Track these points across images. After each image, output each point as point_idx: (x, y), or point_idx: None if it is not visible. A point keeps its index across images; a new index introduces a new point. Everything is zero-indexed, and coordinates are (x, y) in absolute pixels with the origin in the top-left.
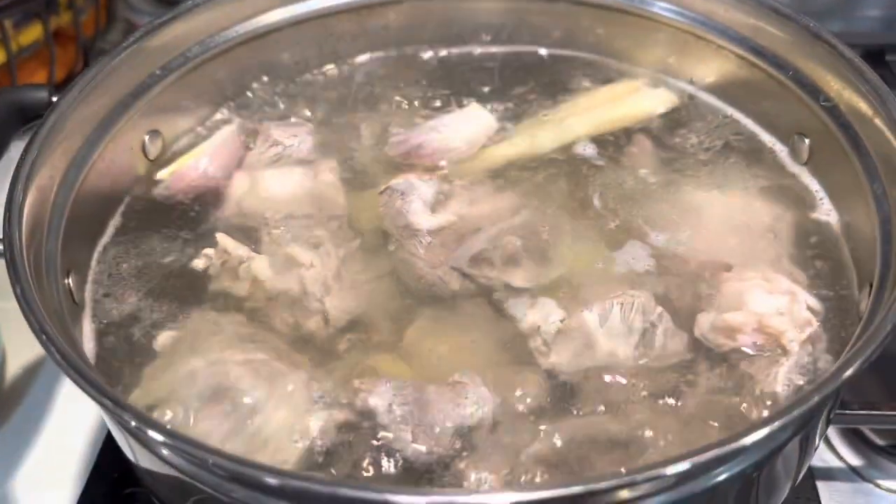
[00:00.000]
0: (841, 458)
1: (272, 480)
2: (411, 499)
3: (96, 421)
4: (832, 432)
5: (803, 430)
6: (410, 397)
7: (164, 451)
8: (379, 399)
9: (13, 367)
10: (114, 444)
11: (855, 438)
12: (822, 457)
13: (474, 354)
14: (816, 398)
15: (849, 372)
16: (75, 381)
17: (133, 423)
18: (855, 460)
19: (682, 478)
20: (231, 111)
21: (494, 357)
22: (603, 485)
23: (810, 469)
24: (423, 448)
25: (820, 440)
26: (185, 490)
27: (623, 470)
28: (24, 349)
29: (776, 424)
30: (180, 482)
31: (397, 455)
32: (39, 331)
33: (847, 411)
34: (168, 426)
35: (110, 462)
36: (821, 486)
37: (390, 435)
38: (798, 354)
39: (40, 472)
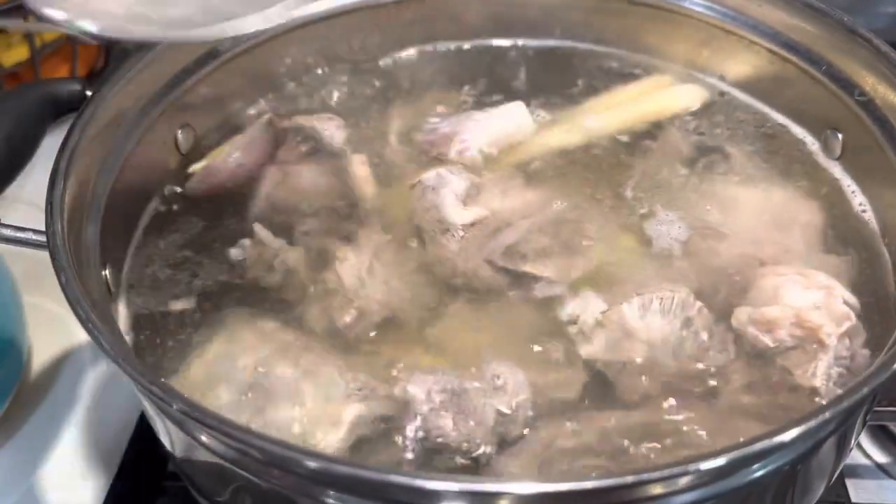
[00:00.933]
0: (867, 455)
1: (313, 464)
2: (447, 485)
3: (123, 414)
4: None
5: (843, 425)
6: (449, 386)
7: (210, 438)
8: (417, 388)
9: (38, 362)
10: (143, 436)
11: (881, 436)
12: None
13: (509, 346)
14: (865, 390)
15: None
16: (122, 369)
17: (179, 409)
18: (881, 457)
19: (718, 474)
20: (263, 105)
21: (530, 349)
22: (636, 478)
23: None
24: (464, 435)
25: (856, 439)
26: (225, 478)
27: (658, 464)
28: (49, 344)
29: (820, 418)
30: (220, 469)
31: (437, 443)
32: (86, 319)
33: (876, 408)
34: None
35: (140, 454)
36: (847, 483)
37: (430, 423)
38: (836, 349)
39: (66, 465)
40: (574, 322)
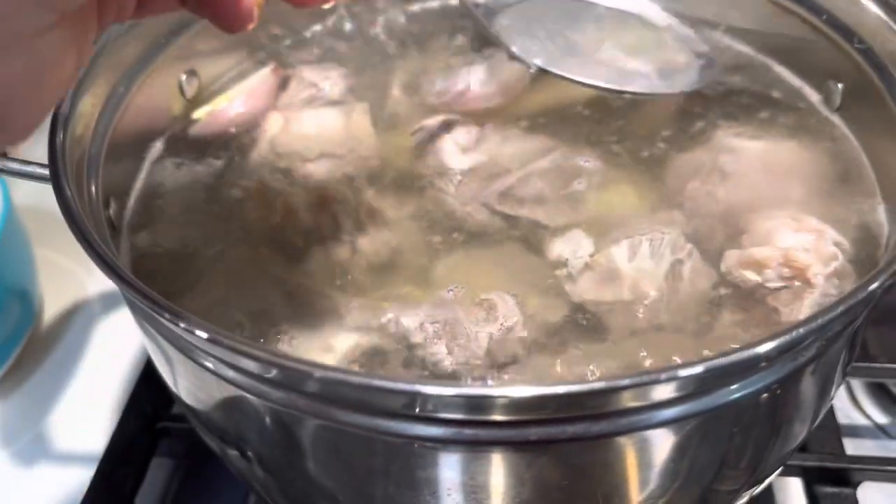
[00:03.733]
0: (867, 415)
1: (320, 375)
2: (442, 390)
3: (130, 361)
4: (858, 389)
5: (823, 355)
6: (441, 317)
7: (215, 358)
8: (410, 319)
9: (49, 314)
10: (148, 381)
11: (882, 395)
12: (848, 414)
13: (502, 286)
14: (840, 308)
15: (873, 285)
16: (134, 299)
17: (185, 327)
18: (881, 418)
19: (698, 385)
20: (266, 53)
21: (522, 288)
22: (625, 382)
23: (837, 426)
24: (457, 361)
25: (839, 381)
26: (238, 411)
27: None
28: (60, 297)
29: (799, 331)
30: (231, 399)
31: (431, 370)
32: (91, 241)
33: (875, 364)
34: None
35: (144, 399)
36: (846, 442)
37: (423, 352)
38: (823, 288)
39: (74, 411)
40: (564, 264)
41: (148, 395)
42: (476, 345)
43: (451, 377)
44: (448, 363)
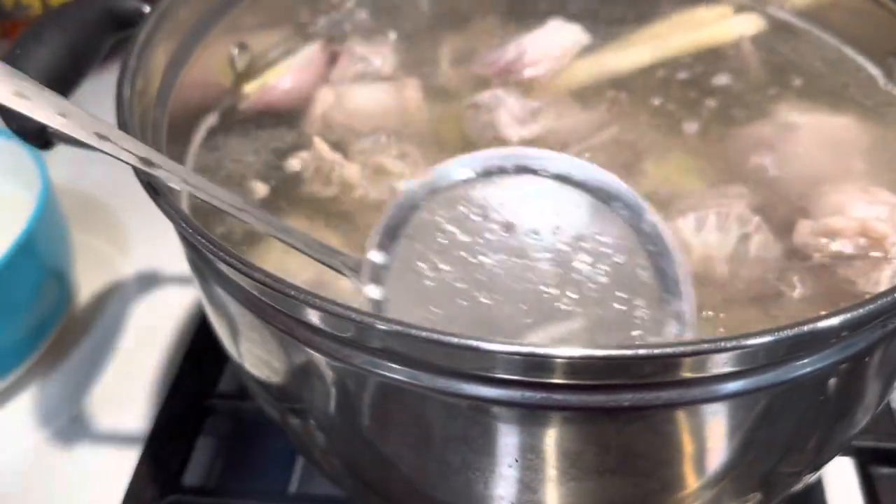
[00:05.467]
0: None
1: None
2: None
3: (166, 342)
4: None
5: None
6: None
7: (288, 316)
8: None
9: (85, 296)
10: (194, 359)
11: None
12: None
13: None
14: None
15: None
16: (218, 257)
17: (292, 293)
18: None
19: (764, 359)
20: (317, 28)
21: None
22: (690, 348)
23: (890, 409)
24: None
25: None
26: (305, 373)
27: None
28: (95, 279)
29: (876, 304)
30: (297, 365)
31: None
32: (176, 215)
33: None
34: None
35: (189, 378)
36: None
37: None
38: None
39: (113, 391)
40: None
41: (193, 373)
42: None
43: None
44: None
